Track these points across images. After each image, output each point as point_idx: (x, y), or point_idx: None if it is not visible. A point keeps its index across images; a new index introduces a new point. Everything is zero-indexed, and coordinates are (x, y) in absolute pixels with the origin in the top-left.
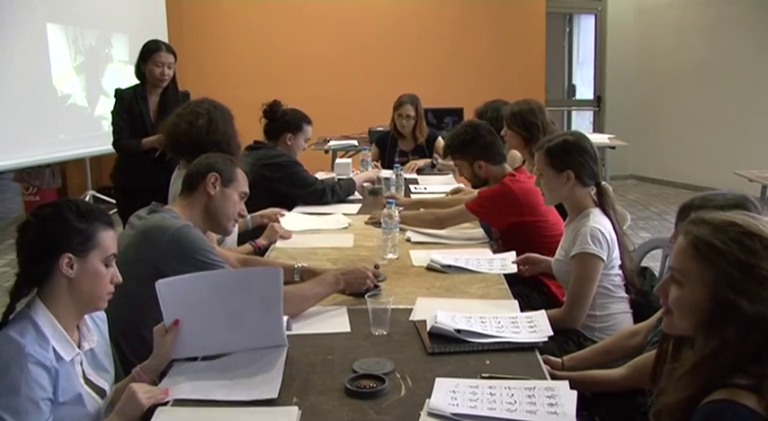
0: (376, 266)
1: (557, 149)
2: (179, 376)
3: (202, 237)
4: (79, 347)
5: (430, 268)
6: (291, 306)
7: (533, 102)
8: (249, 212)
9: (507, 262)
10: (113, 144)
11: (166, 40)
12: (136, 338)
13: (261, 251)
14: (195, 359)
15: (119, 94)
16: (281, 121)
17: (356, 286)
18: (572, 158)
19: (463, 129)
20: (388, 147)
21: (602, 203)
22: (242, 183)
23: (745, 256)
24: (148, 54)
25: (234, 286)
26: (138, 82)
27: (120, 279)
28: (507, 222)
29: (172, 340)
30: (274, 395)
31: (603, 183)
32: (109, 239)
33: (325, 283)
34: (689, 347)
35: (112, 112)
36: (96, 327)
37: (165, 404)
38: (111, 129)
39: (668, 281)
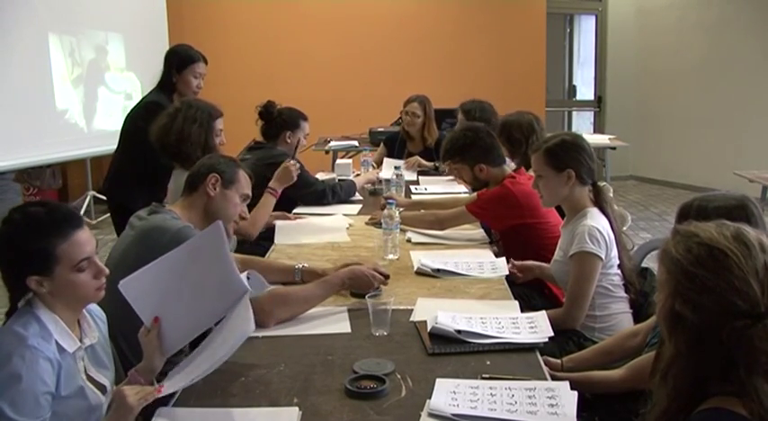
0: (376, 264)
1: (556, 149)
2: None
3: None
4: (81, 342)
5: (420, 272)
6: (293, 307)
7: (527, 116)
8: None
9: (498, 265)
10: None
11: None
12: (136, 339)
13: (266, 231)
14: (182, 352)
15: (157, 104)
16: (279, 121)
17: (363, 283)
18: (571, 157)
19: (462, 133)
20: (396, 148)
21: (600, 202)
22: (243, 185)
23: (692, 266)
24: (186, 64)
25: (187, 259)
26: (153, 89)
27: (107, 271)
28: (508, 225)
29: (156, 338)
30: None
31: (603, 183)
32: (75, 247)
33: (329, 287)
34: None
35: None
36: (96, 325)
37: (166, 404)
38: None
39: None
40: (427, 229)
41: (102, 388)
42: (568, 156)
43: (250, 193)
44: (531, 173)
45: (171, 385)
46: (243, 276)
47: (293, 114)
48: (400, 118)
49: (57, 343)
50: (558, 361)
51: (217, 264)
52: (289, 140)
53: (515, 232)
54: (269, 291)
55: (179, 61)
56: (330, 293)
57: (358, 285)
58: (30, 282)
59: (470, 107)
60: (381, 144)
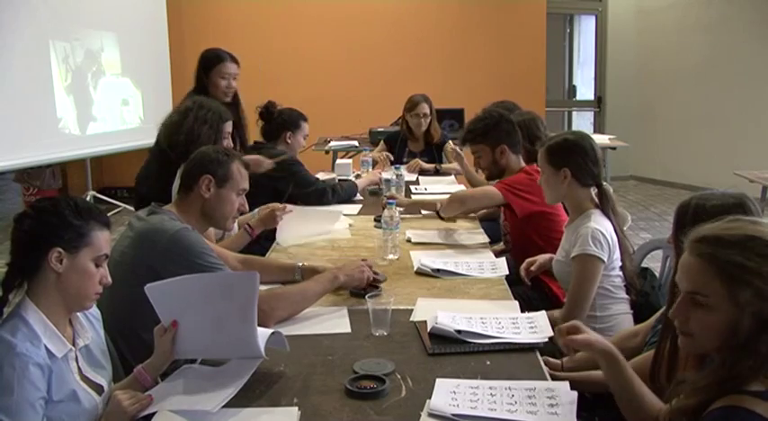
0: (364, 260)
1: (556, 147)
2: (173, 382)
3: (201, 240)
4: (74, 344)
5: (420, 272)
6: (291, 305)
7: (534, 113)
8: (250, 211)
9: (498, 265)
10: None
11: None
12: (134, 340)
13: (256, 240)
14: (194, 361)
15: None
16: (279, 121)
17: (356, 278)
18: (569, 157)
19: (488, 113)
20: (397, 148)
21: (603, 205)
22: (239, 181)
23: None
24: (212, 65)
25: (217, 290)
26: (188, 93)
27: (110, 280)
28: (530, 209)
29: (171, 339)
30: (209, 408)
31: (605, 184)
32: (102, 239)
33: (324, 280)
34: (696, 357)
35: None
36: (90, 325)
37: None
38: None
39: (687, 304)
40: (446, 209)
41: (98, 388)
42: (566, 156)
43: (247, 186)
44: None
45: (163, 405)
46: (267, 333)
47: (293, 115)
48: (401, 118)
49: (46, 347)
50: (558, 361)
51: (242, 316)
52: (289, 141)
53: (529, 221)
54: (266, 290)
55: (205, 62)
56: (326, 288)
57: (351, 280)
58: (52, 254)
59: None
60: (381, 142)
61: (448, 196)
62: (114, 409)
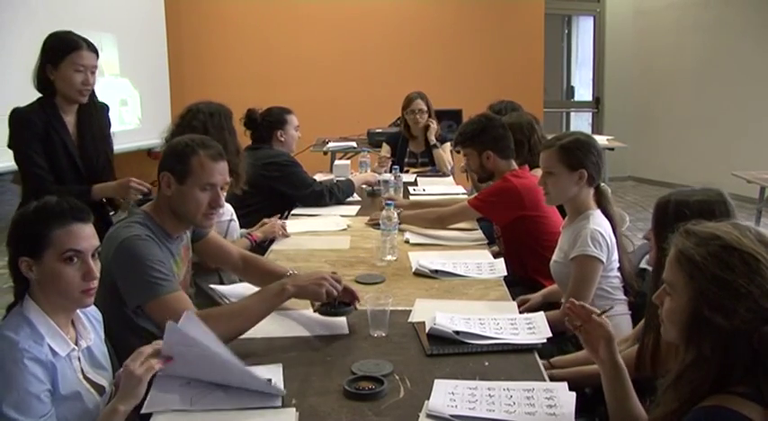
0: (333, 273)
1: (572, 147)
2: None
3: (148, 250)
4: (77, 345)
5: (418, 273)
6: (228, 329)
7: (526, 116)
8: (249, 211)
9: (496, 266)
10: (34, 193)
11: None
12: (120, 343)
13: (258, 245)
14: None
15: (21, 116)
16: (265, 123)
17: (310, 290)
18: (586, 157)
19: (477, 118)
20: (398, 148)
21: (601, 204)
22: (201, 175)
23: (722, 272)
24: (64, 53)
25: (237, 377)
26: (41, 95)
27: (97, 274)
28: (509, 217)
29: (154, 367)
30: (278, 403)
31: (602, 184)
32: (65, 236)
33: (270, 295)
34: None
35: (15, 144)
36: (92, 326)
37: (161, 411)
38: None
39: (663, 291)
40: (429, 227)
41: (100, 389)
42: (583, 156)
43: (215, 180)
44: (534, 173)
45: (165, 400)
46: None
47: (277, 112)
48: (399, 119)
49: (48, 345)
50: (546, 361)
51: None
52: (282, 138)
53: (517, 226)
54: (203, 312)
55: (53, 52)
56: (272, 303)
57: (302, 291)
58: (21, 264)
59: (500, 107)
60: (384, 144)
61: (429, 212)
62: (126, 377)
